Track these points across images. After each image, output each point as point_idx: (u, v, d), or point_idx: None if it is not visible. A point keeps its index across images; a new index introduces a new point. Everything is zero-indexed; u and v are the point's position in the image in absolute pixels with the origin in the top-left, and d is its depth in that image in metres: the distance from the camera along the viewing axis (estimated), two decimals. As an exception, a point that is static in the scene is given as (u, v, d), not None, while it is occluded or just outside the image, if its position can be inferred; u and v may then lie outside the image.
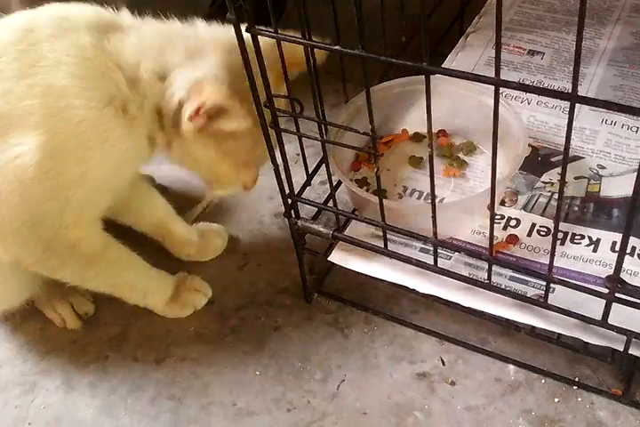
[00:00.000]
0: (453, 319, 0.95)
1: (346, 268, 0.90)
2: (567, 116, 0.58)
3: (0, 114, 0.77)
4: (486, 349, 0.92)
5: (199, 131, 0.80)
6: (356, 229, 0.90)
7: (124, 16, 0.85)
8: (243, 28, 0.66)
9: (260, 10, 0.66)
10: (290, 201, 0.85)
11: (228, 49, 0.77)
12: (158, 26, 0.83)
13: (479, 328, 0.94)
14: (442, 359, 0.92)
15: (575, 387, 0.87)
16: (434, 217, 0.74)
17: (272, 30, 0.67)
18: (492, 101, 0.91)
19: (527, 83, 1.09)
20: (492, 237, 0.73)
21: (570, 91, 0.55)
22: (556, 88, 1.07)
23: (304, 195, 0.88)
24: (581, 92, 1.06)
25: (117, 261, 0.92)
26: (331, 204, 0.86)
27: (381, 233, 0.83)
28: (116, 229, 0.94)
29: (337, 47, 0.64)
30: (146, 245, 0.98)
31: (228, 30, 0.72)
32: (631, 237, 0.83)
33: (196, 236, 1.06)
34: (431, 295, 0.84)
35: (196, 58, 0.79)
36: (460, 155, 0.98)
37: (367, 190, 0.95)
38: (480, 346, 0.92)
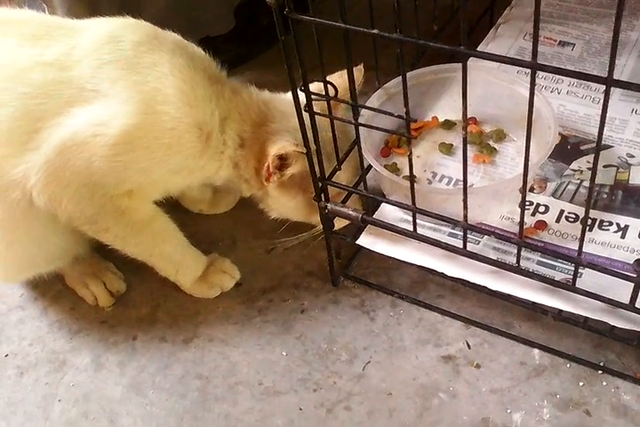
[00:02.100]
0: (479, 304, 0.96)
1: (372, 252, 0.91)
2: (597, 105, 0.59)
3: (98, 91, 0.84)
4: (511, 333, 0.93)
5: (280, 186, 0.92)
6: (384, 214, 0.92)
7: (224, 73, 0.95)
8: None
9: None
10: (320, 185, 0.86)
11: (292, 112, 0.83)
12: (253, 92, 0.94)
13: (505, 313, 0.95)
14: (467, 343, 0.93)
15: (600, 371, 0.88)
16: (465, 200, 0.75)
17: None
18: (523, 90, 0.94)
19: (558, 73, 1.09)
20: (522, 219, 0.74)
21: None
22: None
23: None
24: None
25: (160, 233, 0.96)
26: (361, 187, 0.87)
27: (410, 218, 0.84)
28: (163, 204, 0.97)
29: (375, 31, 0.65)
30: (181, 228, 0.99)
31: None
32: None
33: (209, 194, 1.12)
34: (459, 279, 0.85)
35: (268, 125, 0.91)
36: (490, 142, 0.99)
37: (398, 175, 0.96)
38: (505, 330, 0.93)
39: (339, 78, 0.83)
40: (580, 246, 0.73)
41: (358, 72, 0.91)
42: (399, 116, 0.72)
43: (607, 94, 0.58)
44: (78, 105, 0.84)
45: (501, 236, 0.82)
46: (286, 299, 1.02)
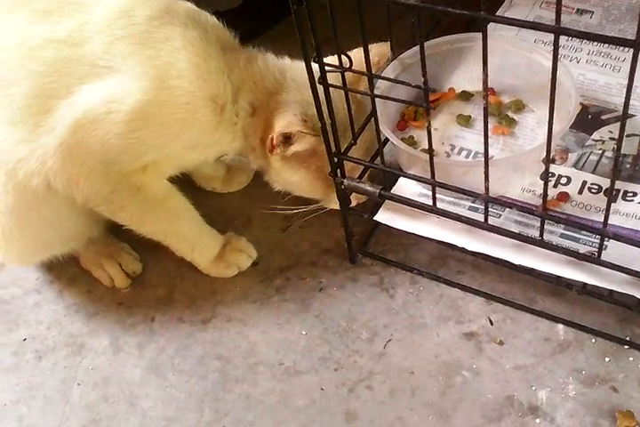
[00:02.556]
0: (500, 279, 0.94)
1: (390, 229, 0.90)
2: (617, 74, 0.56)
3: (111, 67, 0.83)
4: (535, 308, 0.91)
5: (283, 159, 0.90)
6: (402, 189, 0.89)
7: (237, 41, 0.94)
8: None
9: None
10: (336, 160, 0.84)
11: (306, 84, 0.83)
12: (270, 59, 0.93)
13: (527, 288, 0.93)
14: (489, 319, 0.92)
15: (626, 346, 0.87)
16: (486, 172, 0.72)
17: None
18: (542, 59, 0.91)
19: (576, 41, 1.06)
20: (545, 191, 0.72)
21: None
22: (605, 46, 1.05)
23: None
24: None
25: (175, 211, 0.95)
26: (378, 161, 0.85)
27: (429, 192, 0.82)
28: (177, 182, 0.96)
29: (390, -4, 0.63)
30: (199, 207, 0.98)
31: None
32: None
33: (223, 172, 1.11)
34: (480, 254, 0.83)
35: (281, 94, 0.89)
36: (509, 113, 0.97)
37: (416, 148, 0.93)
38: (528, 306, 0.91)
39: (357, 54, 0.81)
40: (606, 218, 0.71)
41: (385, 47, 0.90)
42: (417, 86, 0.69)
43: (635, 60, 0.55)
44: (91, 82, 0.83)
45: (523, 208, 0.79)
46: (304, 277, 1.00)
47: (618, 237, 0.73)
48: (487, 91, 0.65)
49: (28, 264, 1.06)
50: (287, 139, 0.87)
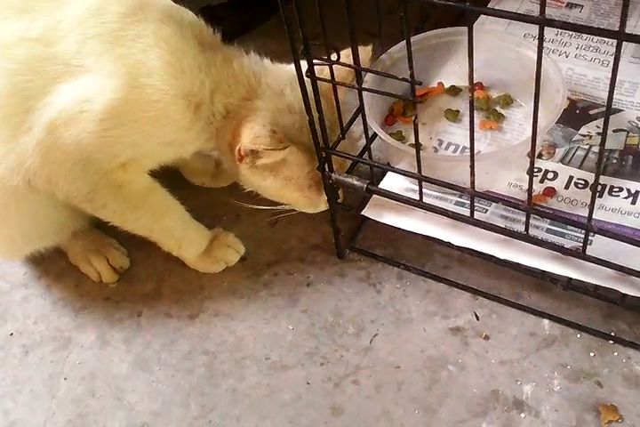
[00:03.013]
0: (487, 274, 0.94)
1: (377, 224, 0.90)
2: (605, 68, 0.56)
3: (83, 66, 0.82)
4: (520, 303, 0.91)
5: (251, 168, 0.88)
6: (389, 184, 0.89)
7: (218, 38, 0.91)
8: None
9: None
10: (324, 154, 0.84)
11: (282, 90, 0.86)
12: (245, 63, 0.89)
13: (513, 283, 0.93)
14: (475, 314, 0.92)
15: (611, 342, 0.87)
16: (472, 166, 0.72)
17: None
18: (531, 53, 0.91)
19: (565, 35, 1.06)
20: (530, 185, 0.72)
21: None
22: (594, 40, 1.05)
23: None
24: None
25: (159, 207, 0.95)
26: (366, 156, 0.85)
27: (416, 187, 0.82)
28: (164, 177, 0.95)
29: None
30: (186, 201, 0.98)
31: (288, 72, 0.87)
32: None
33: (212, 167, 1.10)
34: (467, 248, 0.83)
35: (253, 100, 0.87)
36: (497, 108, 0.97)
37: (403, 143, 0.93)
38: (514, 301, 0.92)
39: (345, 58, 0.81)
40: (591, 212, 0.71)
41: (365, 51, 0.88)
42: (404, 79, 0.69)
43: (619, 50, 0.55)
44: (65, 81, 0.82)
45: (510, 203, 0.79)
46: (292, 272, 1.00)
47: (603, 231, 0.73)
48: (473, 85, 0.65)
49: (13, 259, 1.06)
50: (255, 151, 0.86)
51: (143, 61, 0.82)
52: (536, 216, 0.80)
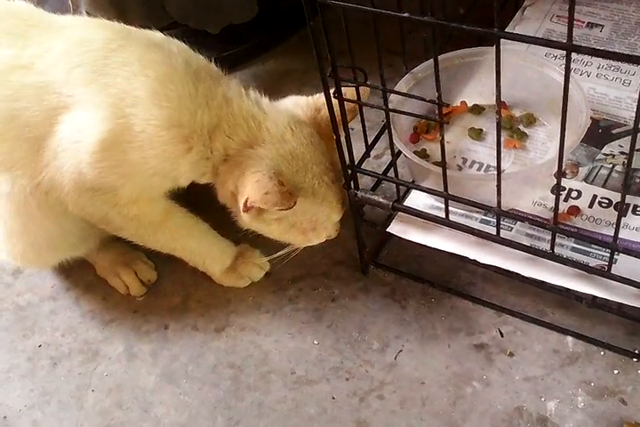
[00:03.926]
0: (511, 292, 0.95)
1: (401, 240, 0.90)
2: (627, 88, 0.57)
3: (73, 96, 0.82)
4: (544, 320, 0.92)
5: (256, 217, 0.87)
6: (414, 202, 0.91)
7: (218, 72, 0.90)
8: None
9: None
10: (350, 172, 0.85)
11: (282, 135, 0.85)
12: (245, 105, 0.87)
13: (537, 300, 0.94)
14: (500, 331, 0.92)
15: (635, 359, 0.87)
16: (498, 186, 0.74)
17: None
18: (553, 73, 0.92)
19: (586, 56, 1.08)
20: (557, 204, 0.73)
21: None
22: (616, 61, 1.06)
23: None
24: None
25: (178, 229, 0.95)
26: (391, 173, 0.86)
27: (441, 205, 0.83)
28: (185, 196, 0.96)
29: (406, 14, 0.64)
30: (211, 215, 0.99)
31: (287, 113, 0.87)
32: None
33: None
34: (492, 266, 0.84)
35: (255, 148, 0.85)
36: (521, 126, 0.98)
37: (428, 161, 0.95)
38: (538, 318, 0.92)
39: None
40: (616, 232, 0.72)
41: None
42: (431, 101, 0.71)
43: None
44: (63, 111, 0.83)
45: (535, 222, 0.81)
46: (316, 288, 1.01)
47: (628, 251, 0.74)
48: (500, 105, 0.67)
49: (39, 266, 1.08)
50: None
51: (128, 90, 0.81)
52: (561, 235, 0.81)
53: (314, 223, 0.90)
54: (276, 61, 0.94)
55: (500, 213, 0.78)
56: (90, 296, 1.06)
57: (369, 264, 1.01)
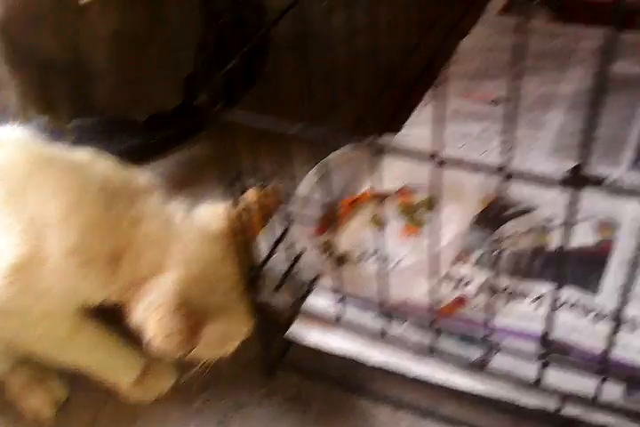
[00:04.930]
0: (408, 385, 0.95)
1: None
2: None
3: None
4: (439, 413, 0.92)
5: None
6: (314, 301, 0.93)
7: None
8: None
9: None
10: (251, 275, 0.87)
11: (192, 256, 0.86)
12: (154, 226, 0.87)
13: (431, 393, 0.93)
14: (398, 428, 0.93)
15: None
16: (384, 285, 0.77)
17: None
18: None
19: (490, 132, 1.14)
20: (435, 307, 0.75)
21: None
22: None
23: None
24: (541, 138, 1.13)
25: (87, 344, 0.94)
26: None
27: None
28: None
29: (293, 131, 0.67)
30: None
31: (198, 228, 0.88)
32: (574, 289, 0.86)
33: None
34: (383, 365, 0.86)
35: (162, 270, 0.85)
36: (419, 212, 1.02)
37: (331, 254, 0.98)
38: (433, 411, 0.93)
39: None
40: (489, 328, 0.74)
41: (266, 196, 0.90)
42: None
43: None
44: None
45: (417, 322, 0.83)
46: (222, 397, 1.01)
47: (499, 346, 0.76)
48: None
49: None
50: None
51: (39, 216, 0.83)
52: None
53: (225, 337, 0.90)
54: (202, 146, 0.95)
55: (388, 314, 0.80)
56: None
57: (275, 367, 1.02)
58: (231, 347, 0.92)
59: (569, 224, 0.60)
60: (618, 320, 0.64)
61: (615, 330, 0.65)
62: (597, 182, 0.55)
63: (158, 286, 0.84)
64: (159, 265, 0.86)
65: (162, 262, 0.86)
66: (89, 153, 0.93)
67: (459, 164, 0.62)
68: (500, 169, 0.59)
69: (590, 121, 0.50)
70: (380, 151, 0.65)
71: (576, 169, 0.55)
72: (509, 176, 0.59)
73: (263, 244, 0.91)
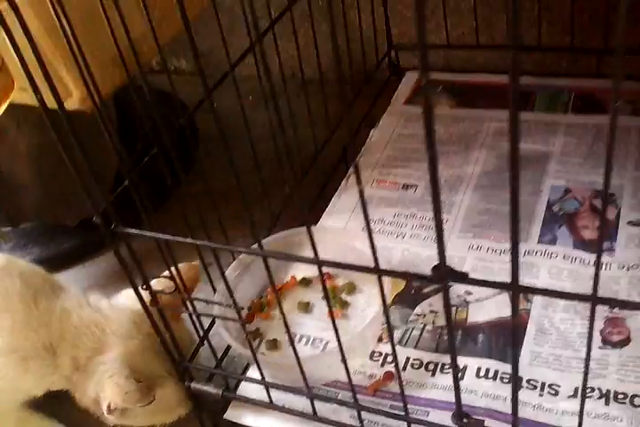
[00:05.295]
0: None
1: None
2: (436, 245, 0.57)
3: None
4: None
5: (121, 415, 0.89)
6: (247, 385, 0.97)
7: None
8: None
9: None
10: (181, 368, 0.91)
11: (128, 333, 0.91)
12: (85, 314, 0.93)
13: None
14: None
15: None
16: (303, 374, 0.81)
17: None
18: (362, 245, 1.02)
19: (402, 216, 1.20)
20: (353, 388, 0.80)
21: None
22: (427, 219, 1.18)
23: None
24: (449, 219, 1.17)
25: None
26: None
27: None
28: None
29: (198, 242, 0.74)
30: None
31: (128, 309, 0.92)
32: (493, 361, 0.92)
33: None
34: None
35: (103, 352, 0.90)
36: (343, 295, 1.07)
37: (260, 341, 1.04)
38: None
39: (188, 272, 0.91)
40: (405, 405, 0.78)
41: (194, 268, 0.96)
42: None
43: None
44: None
45: (343, 403, 0.88)
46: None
47: (419, 421, 0.81)
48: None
49: None
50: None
51: None
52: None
53: (177, 401, 0.95)
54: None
55: (312, 397, 0.85)
56: None
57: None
58: (182, 411, 0.96)
59: (449, 311, 0.63)
60: (515, 385, 0.67)
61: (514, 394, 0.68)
62: (462, 277, 0.58)
63: (105, 363, 0.89)
64: (99, 348, 0.90)
65: (101, 344, 0.91)
66: (2, 255, 0.99)
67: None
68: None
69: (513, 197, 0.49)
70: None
71: (437, 268, 0.57)
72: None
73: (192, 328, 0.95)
